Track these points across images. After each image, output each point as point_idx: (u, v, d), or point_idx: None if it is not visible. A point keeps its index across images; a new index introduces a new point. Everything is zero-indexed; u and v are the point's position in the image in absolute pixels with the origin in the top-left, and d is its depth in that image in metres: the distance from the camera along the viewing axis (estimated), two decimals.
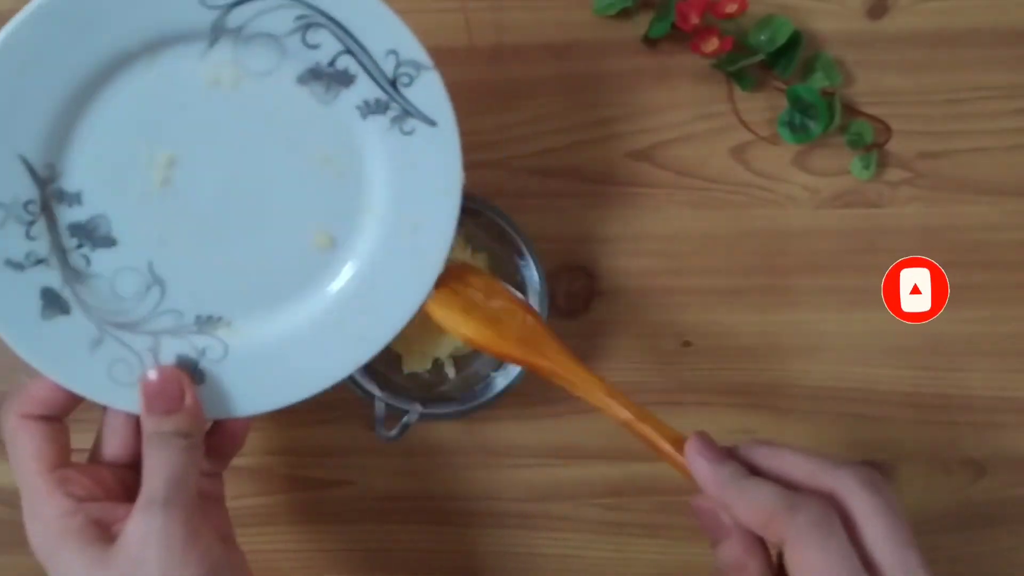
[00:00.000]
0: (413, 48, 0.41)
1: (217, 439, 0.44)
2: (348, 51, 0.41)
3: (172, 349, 0.43)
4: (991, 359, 0.55)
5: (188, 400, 0.42)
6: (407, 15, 0.53)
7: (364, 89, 0.42)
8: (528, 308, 0.45)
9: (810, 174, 0.54)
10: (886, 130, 0.54)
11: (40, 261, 0.41)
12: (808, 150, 0.54)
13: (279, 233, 0.43)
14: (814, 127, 0.53)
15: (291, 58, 0.41)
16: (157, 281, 0.43)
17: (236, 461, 0.53)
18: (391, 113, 0.42)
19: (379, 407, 0.48)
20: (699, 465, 0.39)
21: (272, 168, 0.43)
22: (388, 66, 0.41)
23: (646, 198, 0.54)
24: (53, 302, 0.42)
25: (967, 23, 0.54)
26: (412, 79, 0.42)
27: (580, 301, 0.54)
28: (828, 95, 0.53)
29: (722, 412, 0.54)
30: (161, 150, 0.42)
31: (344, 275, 0.44)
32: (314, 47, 0.41)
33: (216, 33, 0.40)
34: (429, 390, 0.50)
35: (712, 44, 0.51)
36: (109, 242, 0.42)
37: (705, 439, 0.40)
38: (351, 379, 0.48)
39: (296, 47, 0.41)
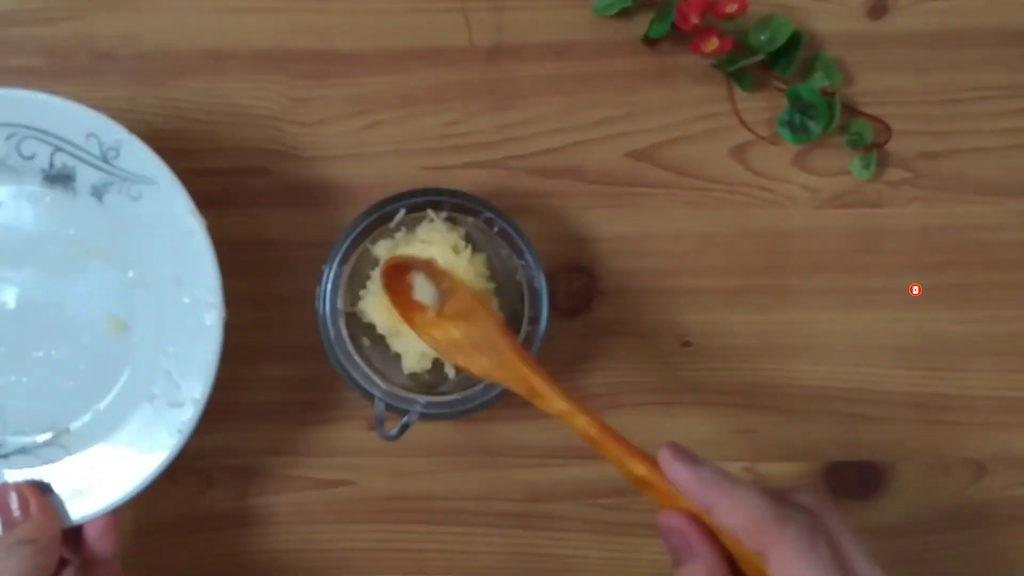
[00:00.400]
0: (106, 125, 0.46)
1: (85, 551, 0.46)
2: (58, 149, 0.47)
3: (22, 463, 0.47)
4: (991, 359, 0.55)
5: (33, 508, 0.45)
6: (407, 15, 0.54)
7: (87, 175, 0.47)
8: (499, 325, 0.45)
9: (810, 174, 0.54)
10: (886, 130, 0.54)
11: None
12: (808, 150, 0.54)
13: (79, 332, 0.49)
14: (814, 127, 0.53)
15: (23, 174, 0.47)
16: None
17: (237, 461, 0.53)
18: (116, 186, 0.47)
19: (379, 407, 0.48)
20: (677, 469, 0.38)
21: (49, 274, 0.48)
22: (94, 147, 0.46)
23: (646, 198, 0.54)
24: None
25: (967, 23, 0.54)
26: (118, 151, 0.46)
27: (580, 301, 0.54)
28: (828, 95, 0.53)
29: (722, 412, 0.54)
30: None
31: (143, 349, 0.48)
32: (31, 157, 0.47)
33: None
34: (429, 390, 0.50)
35: (712, 44, 0.51)
36: None
37: (679, 446, 0.39)
38: (351, 379, 0.48)
39: (19, 163, 0.47)
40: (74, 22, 0.53)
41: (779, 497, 0.38)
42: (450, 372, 0.50)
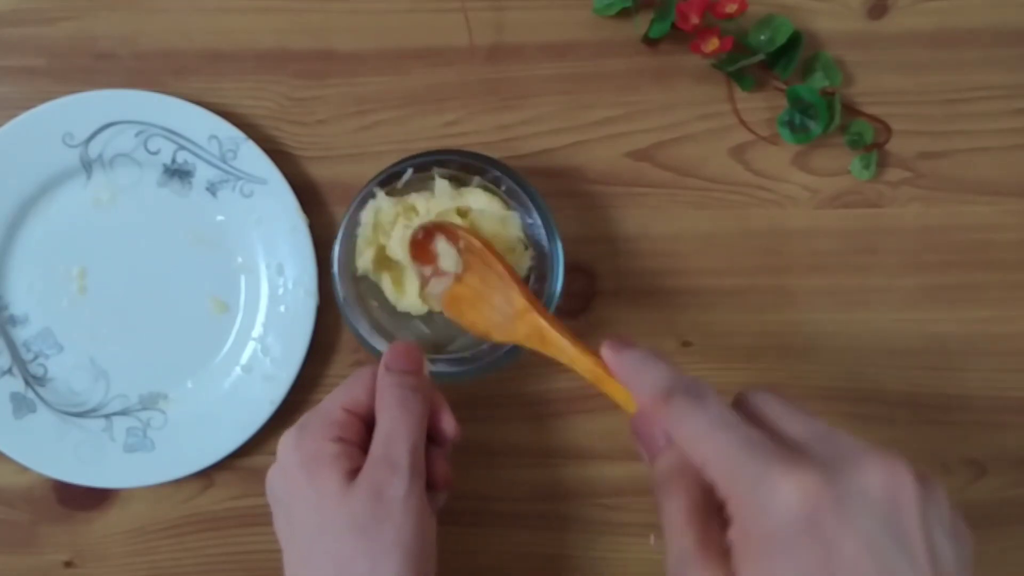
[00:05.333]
0: (227, 129, 0.51)
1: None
2: (181, 147, 0.51)
3: (123, 425, 0.52)
4: (991, 359, 0.55)
5: (425, 370, 0.44)
6: (407, 15, 0.54)
7: (205, 173, 0.52)
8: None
9: (810, 174, 0.54)
10: (886, 130, 0.54)
11: (5, 372, 0.51)
12: (808, 150, 0.54)
13: (182, 311, 0.53)
14: (814, 127, 0.53)
15: (146, 168, 0.52)
16: (102, 373, 0.53)
17: (237, 461, 0.53)
18: (230, 184, 0.52)
19: None
20: (607, 356, 0.38)
21: (160, 259, 0.53)
22: (214, 148, 0.51)
23: (646, 198, 0.54)
24: (21, 404, 0.51)
25: (967, 23, 0.54)
26: (236, 152, 0.51)
27: (580, 301, 0.54)
28: (828, 95, 0.53)
29: None
30: (74, 265, 0.52)
31: (241, 328, 0.53)
32: (156, 152, 0.52)
33: (87, 165, 0.52)
34: (437, 350, 0.50)
35: (712, 44, 0.51)
36: (58, 348, 0.52)
37: (615, 336, 0.39)
38: (359, 336, 0.48)
39: (145, 157, 0.52)
40: (74, 22, 0.53)
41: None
42: (455, 332, 0.50)
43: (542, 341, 0.44)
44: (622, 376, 0.38)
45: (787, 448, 0.32)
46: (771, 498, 0.30)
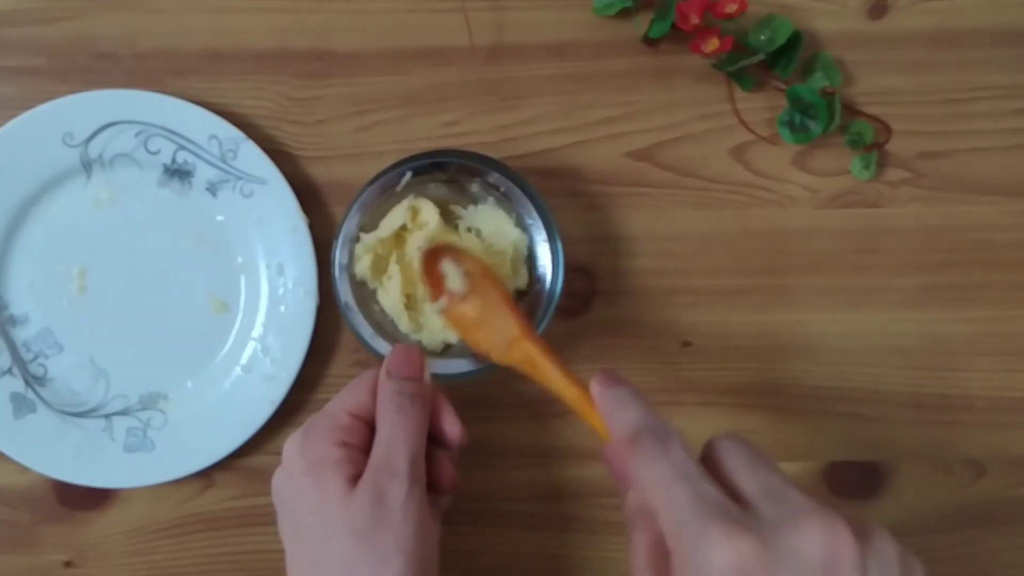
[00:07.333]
0: (227, 129, 0.51)
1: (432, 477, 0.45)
2: (181, 147, 0.51)
3: (123, 425, 0.52)
4: (991, 359, 0.55)
5: (427, 376, 0.44)
6: (407, 15, 0.54)
7: (205, 173, 0.52)
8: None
9: (810, 174, 0.54)
10: (886, 130, 0.54)
11: (5, 372, 0.51)
12: (808, 150, 0.54)
13: (182, 310, 0.53)
14: (814, 127, 0.53)
15: (146, 168, 0.52)
16: (101, 373, 0.53)
17: (237, 461, 0.53)
18: (230, 184, 0.52)
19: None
20: (594, 390, 0.39)
21: (160, 259, 0.53)
22: (214, 148, 0.51)
23: (646, 198, 0.54)
24: (21, 404, 0.51)
25: (967, 23, 0.54)
26: (236, 152, 0.51)
27: (580, 301, 0.54)
28: (828, 95, 0.53)
29: (722, 412, 0.54)
30: (74, 265, 0.52)
31: (241, 328, 0.53)
32: (156, 152, 0.52)
33: (87, 165, 0.51)
34: (440, 352, 0.50)
35: (712, 44, 0.51)
36: (58, 348, 0.53)
37: (607, 372, 0.39)
38: (360, 338, 0.48)
39: (145, 157, 0.52)
40: (74, 22, 0.53)
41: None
42: (451, 338, 0.50)
43: (533, 368, 0.44)
44: (602, 411, 0.39)
45: (732, 509, 0.33)
46: (706, 561, 0.31)
